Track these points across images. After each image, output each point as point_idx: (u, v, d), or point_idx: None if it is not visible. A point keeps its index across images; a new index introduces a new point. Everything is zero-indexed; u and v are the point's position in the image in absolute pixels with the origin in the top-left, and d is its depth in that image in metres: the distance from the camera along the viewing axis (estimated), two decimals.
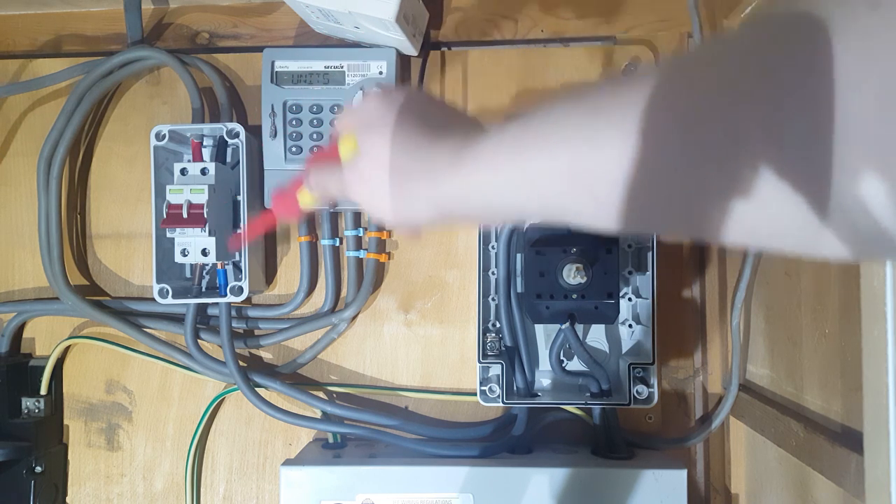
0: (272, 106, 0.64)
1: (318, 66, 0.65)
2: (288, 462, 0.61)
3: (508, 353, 0.62)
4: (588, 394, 0.61)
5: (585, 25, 0.69)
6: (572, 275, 0.56)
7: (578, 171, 0.29)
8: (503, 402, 0.61)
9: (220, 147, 0.64)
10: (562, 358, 0.63)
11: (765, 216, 0.24)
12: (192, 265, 0.66)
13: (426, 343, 0.69)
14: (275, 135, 0.64)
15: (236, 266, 0.65)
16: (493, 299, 0.63)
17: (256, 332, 0.70)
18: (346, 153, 0.40)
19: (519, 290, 0.62)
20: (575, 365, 0.64)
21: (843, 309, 0.47)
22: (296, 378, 0.70)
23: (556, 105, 0.31)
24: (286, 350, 0.70)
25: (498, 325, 0.62)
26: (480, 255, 0.62)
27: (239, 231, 0.53)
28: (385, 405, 0.69)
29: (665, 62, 0.31)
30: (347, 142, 0.40)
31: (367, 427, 0.65)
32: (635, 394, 0.60)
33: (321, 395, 0.69)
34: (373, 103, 0.40)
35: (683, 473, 0.59)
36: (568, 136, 0.29)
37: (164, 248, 0.63)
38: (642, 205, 0.28)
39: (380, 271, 0.69)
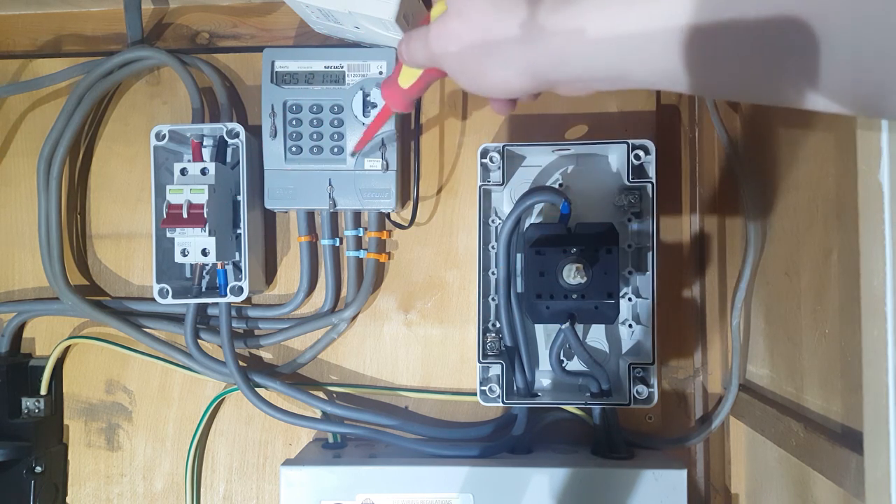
0: (272, 106, 0.64)
1: (318, 66, 0.65)
2: (288, 462, 0.61)
3: (508, 353, 0.62)
4: (588, 394, 0.61)
5: None
6: (572, 275, 0.56)
7: (694, 30, 0.27)
8: (503, 402, 0.61)
9: (220, 147, 0.64)
10: (562, 358, 0.64)
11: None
12: (192, 265, 0.66)
13: (426, 343, 0.69)
14: (275, 135, 0.64)
15: (236, 266, 0.65)
16: (493, 299, 0.63)
17: (256, 332, 0.70)
18: (435, 15, 0.38)
19: (519, 290, 0.62)
20: (575, 365, 0.64)
21: (843, 309, 0.47)
22: (296, 378, 0.70)
23: None
24: (286, 350, 0.70)
25: (498, 325, 0.62)
26: (480, 255, 0.62)
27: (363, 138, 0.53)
28: (385, 405, 0.69)
29: None
30: (441, 6, 0.38)
31: (367, 427, 0.65)
32: (635, 394, 0.60)
33: (321, 395, 0.69)
34: None
35: (683, 473, 0.59)
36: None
37: (164, 248, 0.63)
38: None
39: (380, 271, 0.69)
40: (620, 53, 0.31)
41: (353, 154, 0.63)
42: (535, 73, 0.34)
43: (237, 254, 0.64)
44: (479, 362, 0.61)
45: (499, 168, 0.61)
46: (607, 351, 0.65)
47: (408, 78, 0.43)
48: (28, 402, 0.68)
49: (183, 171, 0.61)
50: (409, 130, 0.68)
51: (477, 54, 0.35)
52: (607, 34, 0.30)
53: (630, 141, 0.59)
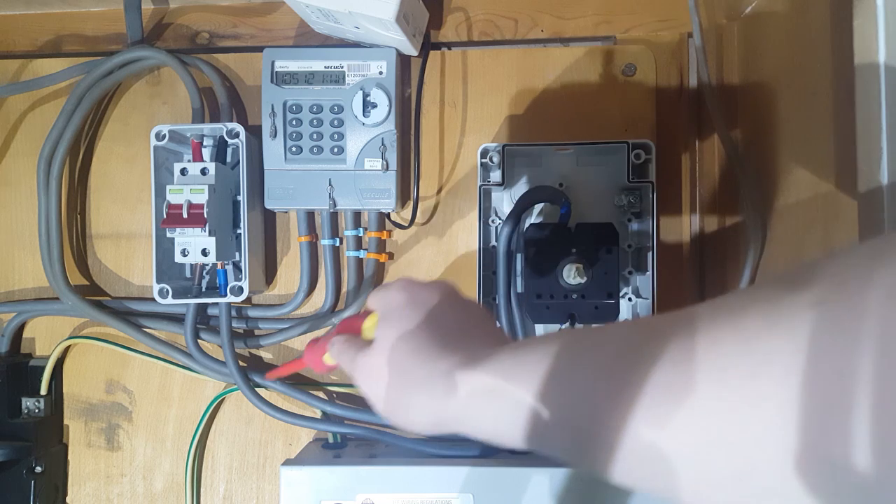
0: (272, 106, 0.64)
1: (318, 66, 0.65)
2: (288, 462, 0.61)
3: None
4: None
5: (585, 25, 0.69)
6: (572, 275, 0.56)
7: (566, 416, 0.29)
8: None
9: (220, 147, 0.64)
10: None
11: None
12: (192, 265, 0.66)
13: None
14: (275, 135, 0.64)
15: (236, 266, 0.65)
16: (494, 299, 0.63)
17: (256, 332, 0.70)
18: (367, 331, 0.41)
19: (519, 290, 0.62)
20: None
21: None
22: (296, 378, 0.70)
23: (556, 342, 0.31)
24: (286, 350, 0.70)
25: (498, 324, 0.62)
26: (480, 254, 0.62)
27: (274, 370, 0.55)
28: None
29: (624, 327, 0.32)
30: (371, 320, 0.41)
31: (367, 427, 0.65)
32: None
33: (321, 395, 0.69)
34: (401, 295, 0.39)
35: None
36: (561, 375, 0.29)
37: (164, 248, 0.63)
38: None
39: (380, 271, 0.69)
40: (504, 426, 0.32)
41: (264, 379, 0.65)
42: (437, 421, 0.36)
43: (237, 254, 0.64)
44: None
45: (499, 168, 0.61)
46: None
47: (331, 360, 0.45)
48: (28, 402, 0.68)
49: (183, 171, 0.61)
50: (409, 130, 0.68)
51: (391, 395, 0.37)
52: (492, 408, 0.32)
53: (630, 141, 0.59)
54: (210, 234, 0.60)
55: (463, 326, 0.39)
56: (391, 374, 0.37)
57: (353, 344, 0.41)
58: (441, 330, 0.38)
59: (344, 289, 0.69)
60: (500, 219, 0.64)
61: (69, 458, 0.71)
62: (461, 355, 0.35)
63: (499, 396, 0.32)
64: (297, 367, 0.51)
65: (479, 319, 0.40)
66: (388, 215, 0.68)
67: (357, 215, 0.68)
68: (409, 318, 0.38)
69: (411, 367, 0.36)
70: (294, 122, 0.65)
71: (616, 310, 0.58)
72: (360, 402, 0.69)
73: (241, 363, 0.67)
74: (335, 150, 0.64)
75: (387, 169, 0.64)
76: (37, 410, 0.68)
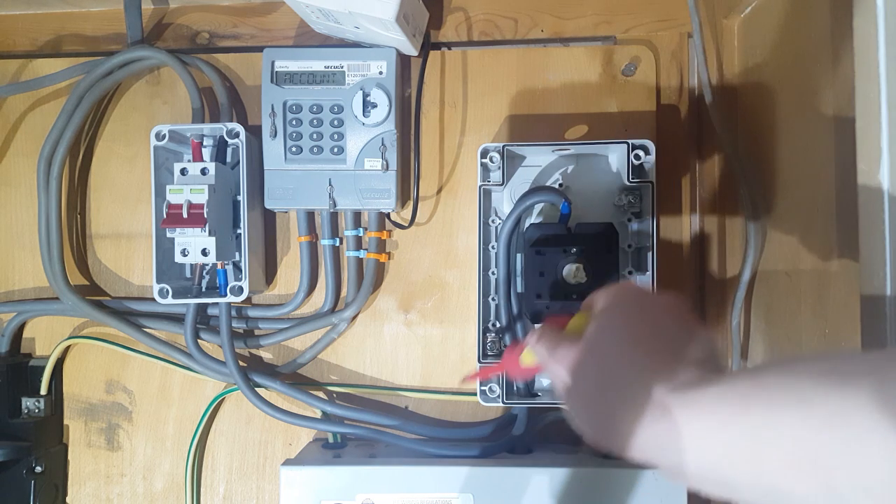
0: (272, 106, 0.64)
1: (318, 66, 0.65)
2: (288, 462, 0.61)
3: None
4: None
5: (585, 25, 0.69)
6: (572, 275, 0.56)
7: (817, 456, 0.24)
8: (503, 402, 0.61)
9: (220, 147, 0.64)
10: None
11: None
12: (192, 265, 0.66)
13: (426, 343, 0.69)
14: (275, 135, 0.64)
15: (236, 266, 0.65)
16: (493, 299, 0.63)
17: (256, 332, 0.70)
18: (574, 328, 0.38)
19: (519, 290, 0.62)
20: None
21: (843, 309, 0.47)
22: (296, 378, 0.70)
23: (797, 367, 0.27)
24: (286, 350, 0.70)
25: (498, 325, 0.62)
26: (480, 255, 0.62)
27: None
28: (385, 405, 0.69)
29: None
30: (581, 317, 0.38)
31: (367, 427, 0.65)
32: None
33: (321, 395, 0.69)
34: (628, 297, 0.36)
35: None
36: (808, 409, 0.24)
37: (164, 248, 0.63)
38: None
39: (380, 271, 0.69)
40: (729, 462, 0.27)
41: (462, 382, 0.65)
42: (641, 451, 0.31)
43: (237, 254, 0.64)
44: (479, 362, 0.61)
45: (499, 168, 0.61)
46: None
47: (529, 360, 0.43)
48: (28, 402, 0.68)
49: (183, 171, 0.61)
50: (408, 130, 0.68)
51: (588, 393, 0.33)
52: (714, 439, 0.27)
53: (630, 141, 0.59)
54: (210, 234, 0.60)
55: (682, 346, 0.34)
56: (596, 372, 0.34)
57: (557, 335, 0.38)
58: (661, 343, 0.34)
59: (344, 289, 0.69)
60: (500, 219, 0.64)
61: (69, 458, 0.71)
62: (683, 375, 0.31)
63: (733, 424, 0.27)
64: (495, 370, 0.49)
65: (702, 343, 0.35)
66: (388, 215, 0.68)
67: (357, 215, 0.68)
68: (630, 322, 0.35)
69: (620, 371, 0.33)
70: (294, 122, 0.65)
71: None
72: (360, 402, 0.69)
73: (241, 363, 0.67)
74: (335, 150, 0.64)
75: (387, 169, 0.64)
76: (37, 410, 0.68)
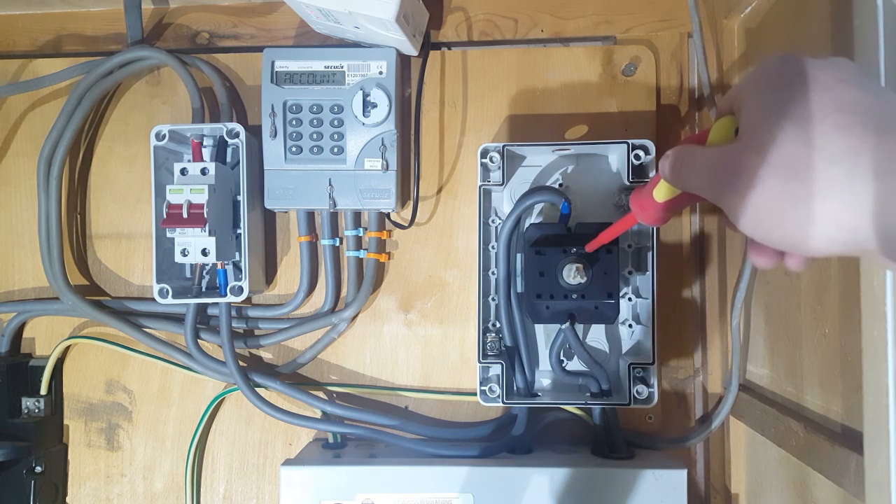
0: (272, 106, 0.64)
1: (318, 66, 0.65)
2: (288, 462, 0.61)
3: (508, 353, 0.62)
4: (588, 394, 0.61)
5: (585, 25, 0.69)
6: (572, 275, 0.56)
7: None
8: (503, 402, 0.61)
9: (220, 147, 0.64)
10: (562, 358, 0.64)
11: None
12: (192, 265, 0.66)
13: (426, 343, 0.69)
14: (275, 135, 0.64)
15: (236, 266, 0.65)
16: (493, 299, 0.63)
17: (256, 332, 0.70)
18: (718, 136, 0.33)
19: (519, 290, 0.62)
20: (575, 365, 0.64)
21: (843, 309, 0.47)
22: (296, 378, 0.70)
23: None
24: (286, 350, 0.70)
25: (498, 325, 0.62)
26: (480, 255, 0.62)
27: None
28: (385, 405, 0.69)
29: None
30: (725, 122, 0.33)
31: (367, 427, 0.65)
32: (635, 394, 0.60)
33: (321, 395, 0.69)
34: (786, 68, 0.30)
35: (683, 473, 0.59)
36: None
37: (164, 248, 0.63)
38: None
39: (380, 271, 0.69)
40: None
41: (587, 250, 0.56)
42: (866, 235, 0.26)
43: (237, 254, 0.64)
44: (479, 362, 0.61)
45: (499, 168, 0.61)
46: (607, 351, 0.65)
47: (665, 193, 0.38)
48: (28, 402, 0.68)
49: (183, 171, 0.61)
50: (409, 130, 0.68)
51: (786, 203, 0.28)
52: None
53: (630, 141, 0.59)
54: (210, 234, 0.60)
55: (881, 115, 0.27)
56: (781, 172, 0.28)
57: (704, 148, 0.32)
58: (854, 117, 0.27)
59: (344, 289, 0.69)
60: (500, 219, 0.64)
61: (69, 458, 0.71)
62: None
63: None
64: (625, 226, 0.44)
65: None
66: (388, 215, 0.68)
67: (357, 215, 0.68)
68: (811, 99, 0.28)
69: (817, 158, 0.27)
70: (294, 122, 0.65)
71: (616, 310, 0.58)
72: (360, 402, 0.69)
73: (241, 363, 0.67)
74: (335, 150, 0.64)
75: (387, 169, 0.64)
76: (37, 410, 0.68)
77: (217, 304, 0.66)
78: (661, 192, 0.38)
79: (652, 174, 0.60)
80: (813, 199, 0.27)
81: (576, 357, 0.64)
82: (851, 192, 0.26)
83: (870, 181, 0.26)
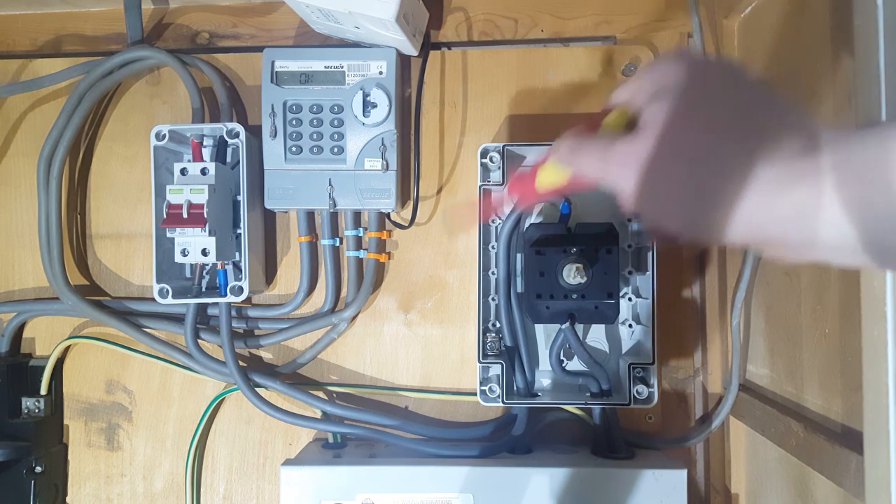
0: (272, 106, 0.64)
1: (318, 66, 0.65)
2: (288, 462, 0.61)
3: (508, 353, 0.62)
4: (588, 394, 0.61)
5: (585, 25, 0.69)
6: (572, 275, 0.56)
7: None
8: (503, 402, 0.61)
9: (220, 147, 0.64)
10: (562, 358, 0.63)
11: None
12: (192, 265, 0.66)
13: (426, 343, 0.69)
14: (275, 135, 0.64)
15: (236, 266, 0.65)
16: (493, 299, 0.63)
17: (256, 332, 0.70)
18: (612, 126, 0.33)
19: (519, 290, 0.62)
20: (575, 365, 0.64)
21: (843, 309, 0.47)
22: (296, 378, 0.70)
23: None
24: (286, 350, 0.70)
25: (498, 325, 0.62)
26: (480, 255, 0.62)
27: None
28: (385, 405, 0.69)
29: None
30: (618, 114, 0.34)
31: (367, 427, 0.65)
32: (635, 394, 0.60)
33: (321, 395, 0.69)
34: (673, 69, 0.31)
35: (683, 473, 0.59)
36: None
37: (164, 248, 0.63)
38: None
39: (380, 271, 0.69)
40: (865, 224, 0.25)
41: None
42: (755, 227, 0.28)
43: (237, 254, 0.64)
44: (479, 362, 0.61)
45: (499, 168, 0.61)
46: (607, 351, 0.65)
47: (550, 180, 0.38)
48: (28, 402, 0.68)
49: (183, 171, 0.61)
50: (409, 130, 0.68)
51: (680, 190, 0.29)
52: (858, 195, 0.25)
53: None
54: (210, 234, 0.60)
55: (780, 112, 0.29)
56: (682, 163, 0.29)
57: (599, 137, 0.33)
58: (743, 107, 0.29)
59: (344, 289, 0.69)
60: (500, 219, 0.64)
61: (69, 458, 0.71)
62: (797, 137, 0.27)
63: (873, 181, 0.24)
64: (497, 205, 0.42)
65: (796, 111, 0.30)
66: (388, 215, 0.68)
67: (357, 215, 0.68)
68: (698, 92, 0.29)
69: (720, 153, 0.28)
70: (294, 122, 0.65)
71: (616, 310, 0.58)
72: (360, 402, 0.69)
73: (241, 363, 0.67)
74: (335, 150, 0.64)
75: (387, 169, 0.64)
76: (37, 410, 0.68)
77: (217, 304, 0.66)
78: (546, 178, 0.38)
79: None
80: (715, 187, 0.28)
81: (576, 357, 0.64)
82: (750, 181, 0.27)
83: (767, 173, 0.27)
